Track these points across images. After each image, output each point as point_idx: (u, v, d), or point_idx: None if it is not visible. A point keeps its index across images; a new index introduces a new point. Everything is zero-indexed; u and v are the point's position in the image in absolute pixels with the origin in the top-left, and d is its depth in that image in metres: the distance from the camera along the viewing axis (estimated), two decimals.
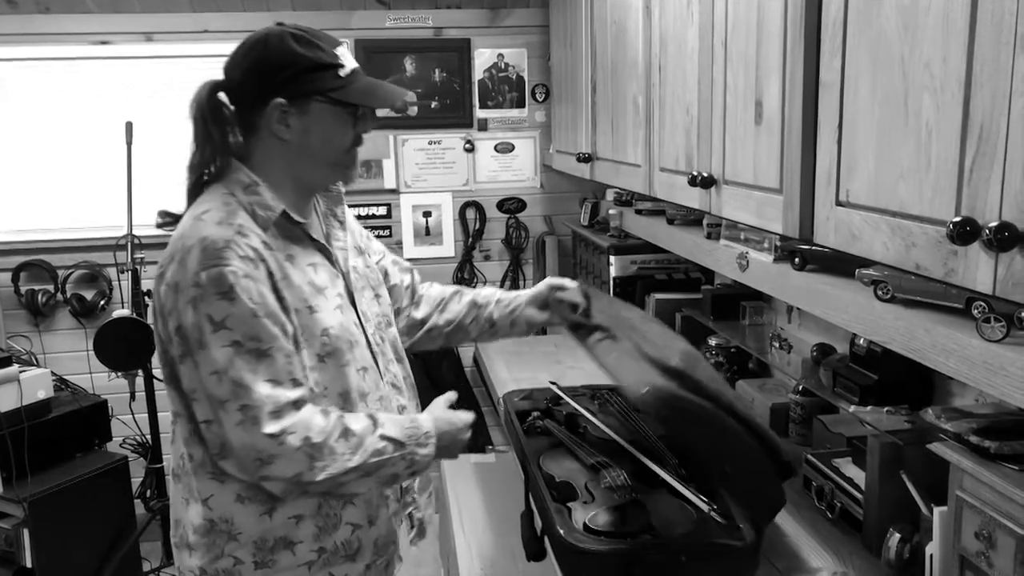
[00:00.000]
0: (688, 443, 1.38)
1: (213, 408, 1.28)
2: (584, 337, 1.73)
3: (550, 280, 1.78)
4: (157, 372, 3.06)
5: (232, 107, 1.40)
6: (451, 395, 1.53)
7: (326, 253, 1.46)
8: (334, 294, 1.42)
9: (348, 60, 1.37)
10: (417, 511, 1.59)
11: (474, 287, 3.71)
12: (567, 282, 1.77)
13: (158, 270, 1.33)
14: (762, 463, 1.42)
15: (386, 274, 1.69)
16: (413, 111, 3.58)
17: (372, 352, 1.47)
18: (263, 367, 1.27)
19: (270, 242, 1.34)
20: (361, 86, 1.38)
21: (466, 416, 1.50)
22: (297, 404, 1.29)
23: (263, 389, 1.26)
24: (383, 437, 1.35)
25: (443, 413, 1.48)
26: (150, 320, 1.39)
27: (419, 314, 1.74)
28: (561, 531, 1.40)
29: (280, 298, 1.31)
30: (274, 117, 1.34)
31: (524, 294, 1.78)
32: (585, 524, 1.43)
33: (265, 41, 1.34)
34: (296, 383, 1.30)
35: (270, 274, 1.31)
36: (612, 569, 1.35)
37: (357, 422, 1.35)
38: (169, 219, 1.42)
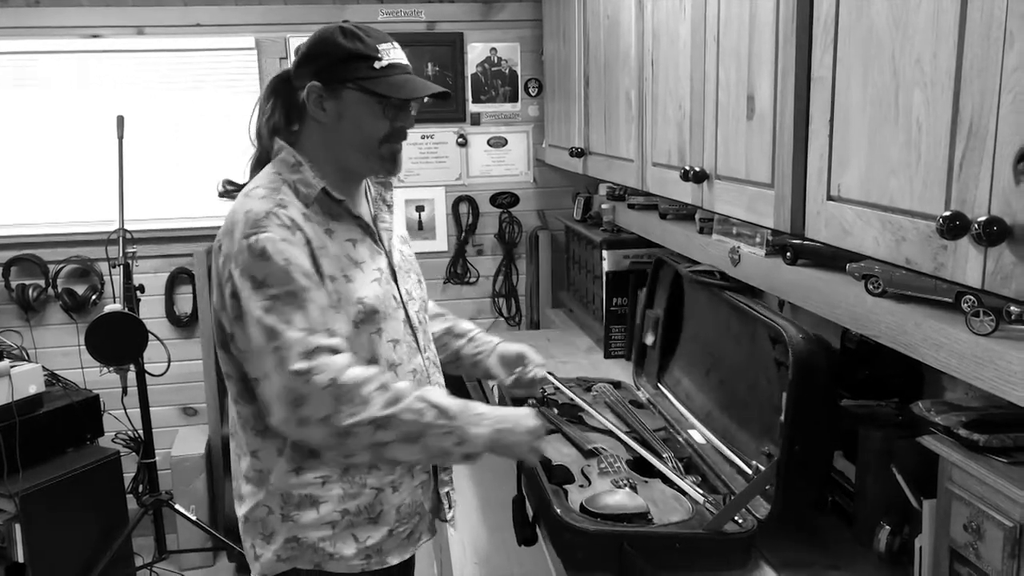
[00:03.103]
0: (796, 401, 1.37)
1: (258, 360, 1.35)
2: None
3: (527, 350, 1.74)
4: (149, 367, 3.08)
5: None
6: (528, 410, 1.53)
7: (369, 231, 1.52)
8: (372, 268, 1.49)
9: (390, 55, 1.44)
10: (455, 493, 1.63)
11: (470, 282, 3.71)
12: (538, 366, 1.72)
13: (215, 245, 1.43)
14: (821, 468, 1.45)
15: None
16: None
17: (412, 327, 1.54)
18: (298, 317, 1.34)
19: (310, 215, 1.43)
20: (393, 80, 1.44)
21: (532, 419, 1.47)
22: (333, 351, 1.35)
23: (295, 334, 1.33)
24: (423, 399, 1.37)
25: (504, 410, 1.48)
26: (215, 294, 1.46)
27: None
28: (558, 510, 1.41)
29: (316, 264, 1.40)
30: (311, 99, 1.44)
31: (497, 348, 1.76)
32: (582, 505, 1.44)
33: (319, 34, 1.46)
34: (331, 334, 1.37)
35: (307, 241, 1.39)
36: (607, 551, 1.36)
37: (400, 381, 1.40)
38: (232, 187, 1.54)
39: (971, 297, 1.04)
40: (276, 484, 1.44)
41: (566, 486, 1.54)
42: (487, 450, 1.43)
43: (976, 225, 0.84)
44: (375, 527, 1.47)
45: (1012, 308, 0.97)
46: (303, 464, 1.43)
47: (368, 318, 1.44)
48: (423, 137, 3.62)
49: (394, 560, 1.51)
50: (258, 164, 1.53)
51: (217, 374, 3.38)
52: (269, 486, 1.45)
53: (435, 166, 3.64)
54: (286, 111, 1.50)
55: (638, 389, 2.14)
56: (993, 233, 0.82)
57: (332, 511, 1.44)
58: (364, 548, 1.47)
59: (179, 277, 3.53)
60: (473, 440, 1.40)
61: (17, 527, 2.66)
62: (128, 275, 3.00)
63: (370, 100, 1.43)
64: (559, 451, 1.68)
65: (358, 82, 1.42)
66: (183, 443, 3.45)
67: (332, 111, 1.44)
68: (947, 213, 0.88)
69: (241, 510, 1.50)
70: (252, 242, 1.35)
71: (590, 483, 1.55)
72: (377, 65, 1.42)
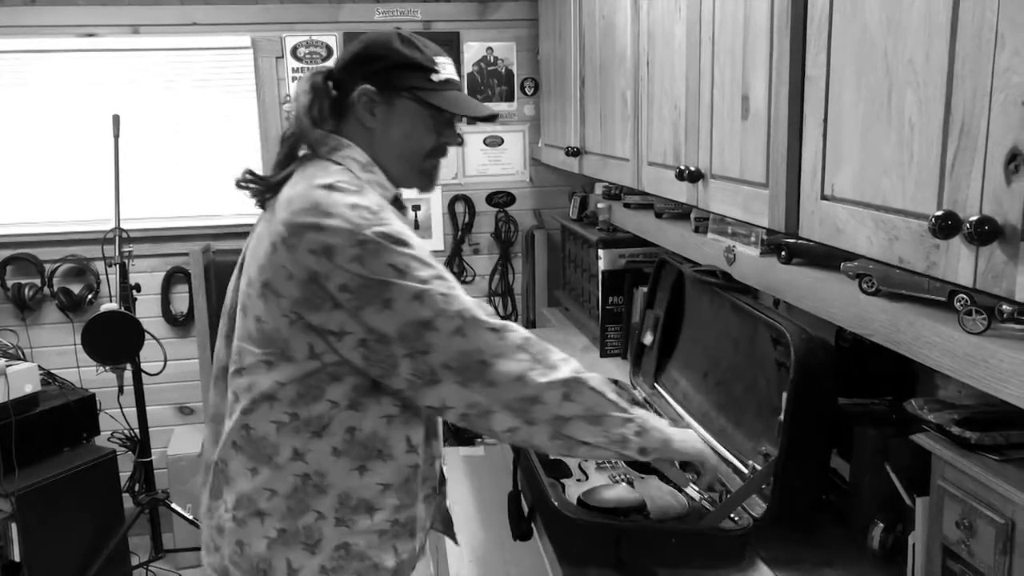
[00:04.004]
0: (796, 402, 1.39)
1: (417, 335, 1.25)
2: None
3: None
4: (145, 366, 3.07)
5: (334, 92, 1.44)
6: None
7: None
8: None
9: (446, 70, 1.41)
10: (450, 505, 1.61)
11: (466, 281, 3.71)
12: None
13: (278, 239, 1.27)
14: (817, 475, 1.46)
15: None
16: None
17: None
18: (455, 294, 1.28)
19: None
20: (449, 95, 1.41)
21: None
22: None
23: (470, 299, 1.29)
24: (603, 378, 1.33)
25: None
26: (243, 286, 1.36)
27: None
28: (555, 503, 1.41)
29: None
30: (361, 102, 1.39)
31: None
32: (579, 499, 1.44)
33: (374, 36, 1.42)
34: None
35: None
36: (603, 544, 1.36)
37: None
38: (252, 178, 1.42)
39: (963, 296, 1.05)
40: (335, 484, 1.33)
41: (563, 480, 1.55)
42: (663, 449, 1.35)
43: (968, 225, 0.84)
44: (410, 540, 1.42)
45: (1004, 307, 0.98)
46: (366, 464, 1.34)
47: None
48: None
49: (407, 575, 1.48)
50: (291, 155, 1.43)
51: None
52: (326, 487, 1.33)
53: None
54: (324, 108, 1.43)
55: (635, 388, 2.15)
56: (985, 233, 0.83)
57: (384, 520, 1.37)
58: (399, 561, 1.40)
59: (175, 276, 3.53)
60: (652, 433, 1.33)
61: (13, 526, 2.65)
62: (124, 274, 2.99)
63: (424, 112, 1.40)
64: None
65: (414, 92, 1.38)
66: (179, 442, 3.45)
67: (382, 117, 1.39)
68: (939, 213, 0.89)
69: (272, 524, 1.33)
70: (381, 231, 1.24)
71: (587, 477, 1.56)
72: (435, 78, 1.39)
